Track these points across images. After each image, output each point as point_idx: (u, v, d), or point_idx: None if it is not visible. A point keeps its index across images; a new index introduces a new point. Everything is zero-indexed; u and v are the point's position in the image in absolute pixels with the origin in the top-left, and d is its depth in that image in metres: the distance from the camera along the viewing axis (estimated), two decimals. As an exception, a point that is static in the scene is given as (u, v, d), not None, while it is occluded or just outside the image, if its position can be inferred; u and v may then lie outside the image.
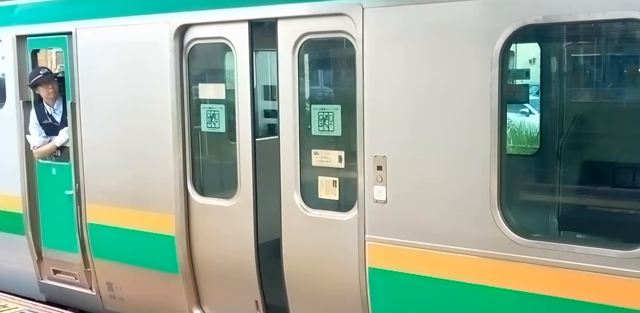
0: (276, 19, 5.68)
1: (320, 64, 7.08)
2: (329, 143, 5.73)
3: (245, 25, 5.84)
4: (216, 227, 6.23)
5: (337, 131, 5.55)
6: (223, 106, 6.18)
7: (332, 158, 5.60)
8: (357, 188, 5.34)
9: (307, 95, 6.26)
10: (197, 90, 6.34)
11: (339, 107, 5.58)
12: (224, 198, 6.17)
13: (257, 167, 5.92)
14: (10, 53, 7.49)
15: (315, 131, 5.66)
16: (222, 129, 6.20)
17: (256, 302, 6.07)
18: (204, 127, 6.27)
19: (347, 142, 5.57)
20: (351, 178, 5.45)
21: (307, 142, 5.70)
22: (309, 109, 5.75)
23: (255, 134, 5.88)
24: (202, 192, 6.33)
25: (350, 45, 5.32)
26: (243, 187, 5.98)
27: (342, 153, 5.56)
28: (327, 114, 5.57)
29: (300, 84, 5.70)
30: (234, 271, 6.14)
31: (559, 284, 4.52)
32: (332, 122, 5.54)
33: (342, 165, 5.56)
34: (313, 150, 5.68)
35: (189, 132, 6.27)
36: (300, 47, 5.61)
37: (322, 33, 5.54)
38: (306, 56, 6.82)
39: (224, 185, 6.36)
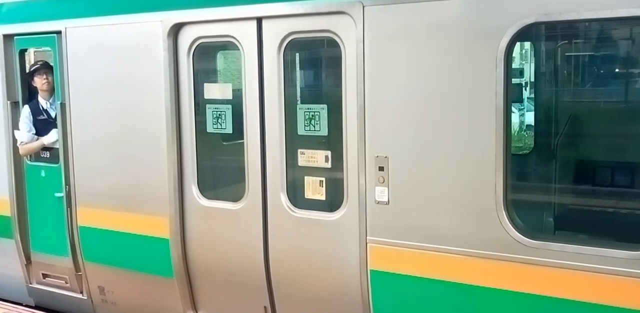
0: (261, 17, 5.59)
1: (314, 63, 7.00)
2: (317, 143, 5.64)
3: (254, 23, 5.67)
4: (222, 231, 6.09)
5: (324, 131, 5.47)
6: (230, 106, 6.01)
7: (318, 158, 5.52)
8: (344, 188, 5.27)
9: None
10: (201, 89, 6.19)
11: (325, 106, 5.50)
12: (231, 201, 6.03)
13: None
14: None
15: (300, 131, 5.57)
16: (229, 130, 6.03)
17: (265, 307, 5.95)
18: (209, 128, 6.11)
19: (334, 141, 5.47)
20: (338, 179, 5.38)
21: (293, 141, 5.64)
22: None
23: (264, 135, 5.72)
24: (207, 194, 6.17)
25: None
26: (251, 189, 5.86)
27: (329, 153, 5.48)
28: (313, 113, 5.49)
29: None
30: (240, 276, 6.01)
31: (566, 286, 4.47)
32: (318, 122, 5.46)
33: (328, 165, 5.48)
34: (299, 150, 5.60)
35: (194, 133, 6.11)
36: (287, 45, 5.53)
37: (314, 32, 5.45)
38: (297, 55, 6.75)
39: (231, 188, 6.18)
